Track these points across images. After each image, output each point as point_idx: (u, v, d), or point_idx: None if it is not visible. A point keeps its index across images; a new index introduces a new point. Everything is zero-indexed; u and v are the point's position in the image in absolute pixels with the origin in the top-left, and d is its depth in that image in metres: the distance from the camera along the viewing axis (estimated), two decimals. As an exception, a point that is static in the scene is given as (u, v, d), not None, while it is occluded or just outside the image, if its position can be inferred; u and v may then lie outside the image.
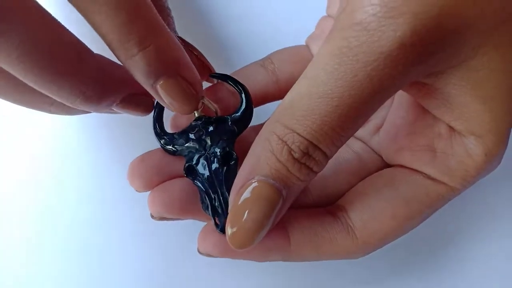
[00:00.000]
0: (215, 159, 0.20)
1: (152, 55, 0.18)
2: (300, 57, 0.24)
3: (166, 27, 0.19)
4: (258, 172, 0.18)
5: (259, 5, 0.28)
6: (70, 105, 0.19)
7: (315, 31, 0.26)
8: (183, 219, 0.21)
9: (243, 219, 0.18)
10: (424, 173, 0.21)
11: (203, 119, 0.21)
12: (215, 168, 0.20)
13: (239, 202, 0.18)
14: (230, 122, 0.21)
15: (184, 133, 0.21)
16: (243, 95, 0.22)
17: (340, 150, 0.24)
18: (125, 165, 0.21)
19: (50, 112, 0.20)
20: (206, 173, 0.20)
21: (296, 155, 0.18)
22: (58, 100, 0.19)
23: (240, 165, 0.20)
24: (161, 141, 0.22)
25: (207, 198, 0.20)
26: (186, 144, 0.21)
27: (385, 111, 0.23)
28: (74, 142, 0.28)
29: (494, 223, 0.26)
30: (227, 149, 0.21)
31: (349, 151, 0.24)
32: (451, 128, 0.20)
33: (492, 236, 0.26)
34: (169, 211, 0.20)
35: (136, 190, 0.21)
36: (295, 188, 0.19)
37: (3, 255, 0.27)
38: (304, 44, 0.26)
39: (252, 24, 0.28)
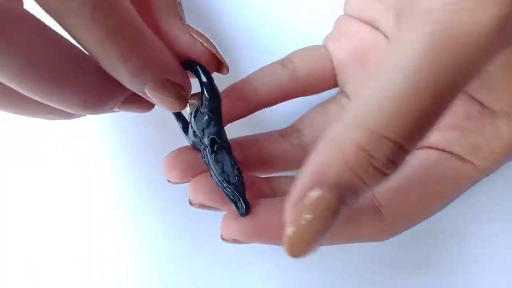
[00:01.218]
0: (206, 148, 0.21)
1: (136, 66, 0.17)
2: (319, 55, 0.24)
3: (150, 32, 0.18)
4: (325, 180, 0.16)
5: (275, 7, 0.28)
6: (72, 113, 0.19)
7: (332, 31, 0.26)
8: (220, 210, 0.21)
9: (301, 226, 0.16)
10: (452, 153, 0.21)
11: (192, 113, 0.22)
12: (208, 156, 0.21)
13: (298, 209, 0.16)
14: (201, 111, 0.21)
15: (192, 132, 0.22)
16: (202, 77, 0.20)
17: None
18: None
19: (50, 119, 0.20)
20: (208, 163, 0.21)
21: (376, 164, 0.16)
22: (59, 108, 0.18)
23: (237, 155, 0.21)
24: (189, 141, 0.22)
25: (219, 187, 0.21)
26: (196, 140, 0.22)
27: None
28: (90, 140, 0.28)
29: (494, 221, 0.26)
30: (211, 137, 0.21)
31: None
32: (481, 109, 0.20)
33: (491, 234, 0.26)
34: (209, 199, 0.21)
35: (171, 181, 0.22)
36: (361, 194, 0.17)
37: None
38: (322, 44, 0.25)
39: (268, 25, 0.28)
